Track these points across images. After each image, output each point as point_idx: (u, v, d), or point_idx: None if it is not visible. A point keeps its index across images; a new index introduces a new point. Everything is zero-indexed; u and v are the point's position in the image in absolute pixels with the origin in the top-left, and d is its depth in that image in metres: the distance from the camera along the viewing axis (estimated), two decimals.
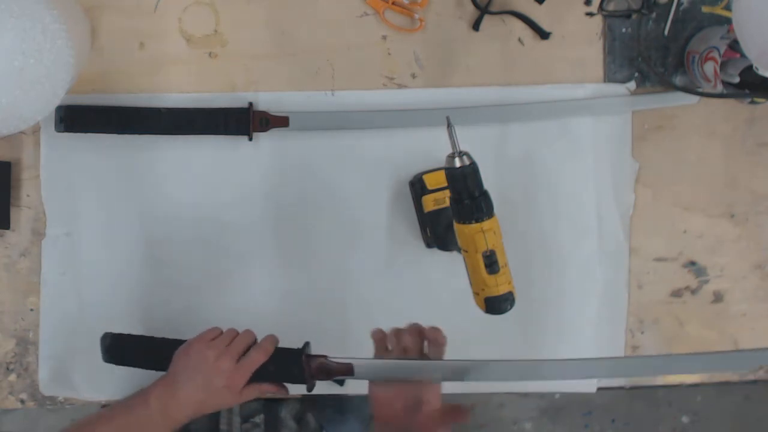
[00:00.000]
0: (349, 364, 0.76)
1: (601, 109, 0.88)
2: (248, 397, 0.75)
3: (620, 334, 0.92)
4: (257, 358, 0.75)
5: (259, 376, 0.76)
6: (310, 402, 0.96)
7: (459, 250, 0.74)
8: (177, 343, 0.78)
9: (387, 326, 0.90)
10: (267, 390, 0.77)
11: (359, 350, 0.90)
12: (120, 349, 0.81)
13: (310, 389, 0.77)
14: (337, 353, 0.89)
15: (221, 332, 0.78)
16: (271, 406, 0.95)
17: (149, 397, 0.73)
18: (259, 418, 0.86)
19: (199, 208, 0.88)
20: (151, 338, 0.81)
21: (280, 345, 0.83)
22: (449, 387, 0.92)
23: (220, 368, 0.73)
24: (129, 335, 0.81)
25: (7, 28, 0.69)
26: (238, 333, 0.78)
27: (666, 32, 0.87)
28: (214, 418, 0.84)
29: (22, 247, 0.88)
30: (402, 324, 0.90)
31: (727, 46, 0.79)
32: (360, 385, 0.89)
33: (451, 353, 0.91)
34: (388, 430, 0.74)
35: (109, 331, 0.81)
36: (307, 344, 0.79)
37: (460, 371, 0.75)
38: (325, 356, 0.77)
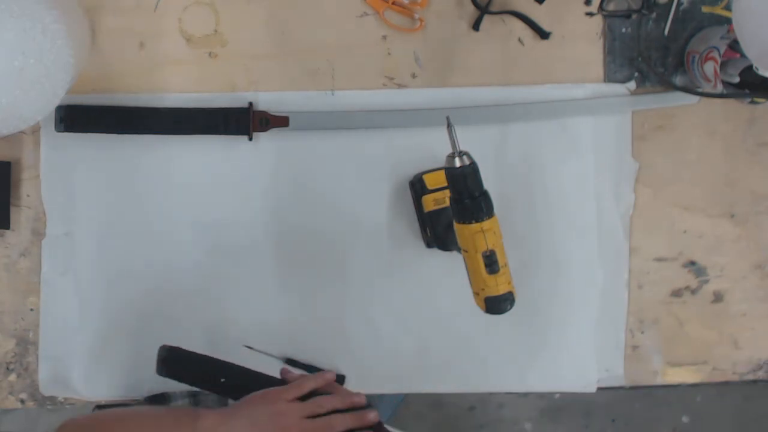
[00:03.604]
0: None
1: (601, 109, 0.88)
2: None
3: (620, 334, 0.92)
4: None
5: None
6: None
7: (459, 250, 0.74)
8: (241, 372, 0.75)
9: (386, 326, 0.90)
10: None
11: (359, 350, 0.90)
12: (177, 364, 0.77)
13: None
14: (336, 353, 0.90)
15: (304, 392, 0.72)
16: None
17: (202, 419, 0.69)
18: None
19: (199, 207, 0.88)
20: (214, 360, 0.77)
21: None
22: (449, 387, 0.93)
23: None
24: (189, 352, 0.77)
25: (7, 28, 0.69)
26: (330, 399, 0.71)
27: (666, 32, 0.87)
28: (224, 403, 0.82)
29: (22, 247, 0.88)
30: (400, 322, 0.90)
31: (727, 46, 0.79)
32: (358, 386, 0.90)
33: (451, 354, 0.91)
34: None
35: (165, 343, 0.77)
36: None
37: None
38: None
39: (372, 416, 0.70)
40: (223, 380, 0.76)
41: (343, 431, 0.69)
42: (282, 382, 0.75)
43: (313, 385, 0.73)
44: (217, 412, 0.70)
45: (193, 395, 0.85)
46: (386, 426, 0.74)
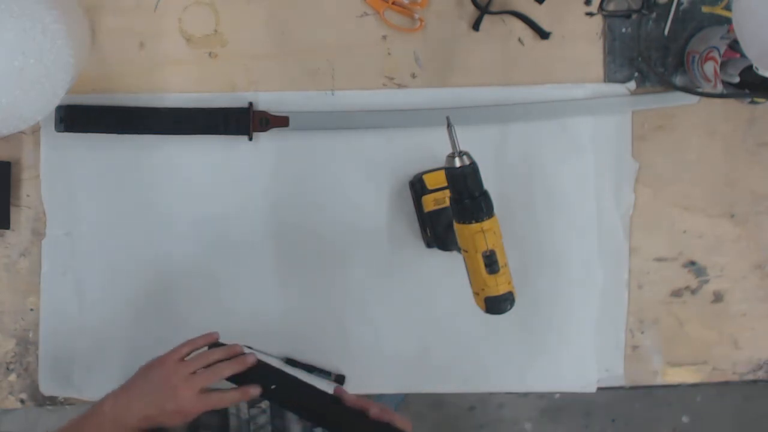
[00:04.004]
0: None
1: (601, 109, 0.88)
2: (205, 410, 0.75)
3: (620, 334, 0.92)
4: (223, 399, 0.74)
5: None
6: None
7: (459, 250, 0.74)
8: (292, 382, 0.77)
9: (386, 326, 0.90)
10: (229, 401, 0.75)
11: (359, 350, 0.90)
12: None
13: None
14: (336, 352, 0.90)
15: (192, 349, 0.76)
16: None
17: (104, 403, 0.73)
18: (265, 404, 0.86)
19: (199, 207, 0.88)
20: (266, 365, 0.78)
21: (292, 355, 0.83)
22: (449, 387, 0.93)
23: (177, 396, 0.72)
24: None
25: (7, 28, 0.69)
26: (213, 352, 0.76)
27: (666, 32, 0.87)
28: None
29: (22, 247, 0.88)
30: (400, 322, 0.90)
31: (727, 46, 0.79)
32: (358, 386, 0.90)
33: (451, 354, 0.91)
34: None
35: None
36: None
37: None
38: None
39: (251, 359, 0.76)
40: (273, 387, 0.76)
41: (230, 375, 0.74)
42: (335, 399, 0.76)
43: (201, 342, 0.77)
44: (114, 391, 0.74)
45: None
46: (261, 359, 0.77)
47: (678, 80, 0.88)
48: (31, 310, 0.89)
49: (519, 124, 0.88)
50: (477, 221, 0.70)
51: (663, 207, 0.91)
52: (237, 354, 0.77)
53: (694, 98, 0.88)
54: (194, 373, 0.74)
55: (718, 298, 0.92)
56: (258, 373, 0.76)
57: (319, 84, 0.87)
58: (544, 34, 0.87)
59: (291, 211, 0.88)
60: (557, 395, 1.78)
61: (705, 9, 0.87)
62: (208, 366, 0.75)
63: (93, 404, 0.75)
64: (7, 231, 0.87)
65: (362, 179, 0.88)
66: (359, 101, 0.87)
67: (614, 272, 0.91)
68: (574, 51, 0.88)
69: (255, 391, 0.74)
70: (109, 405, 0.73)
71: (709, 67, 0.81)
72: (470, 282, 0.74)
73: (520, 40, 0.87)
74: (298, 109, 0.86)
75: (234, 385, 0.76)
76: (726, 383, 0.94)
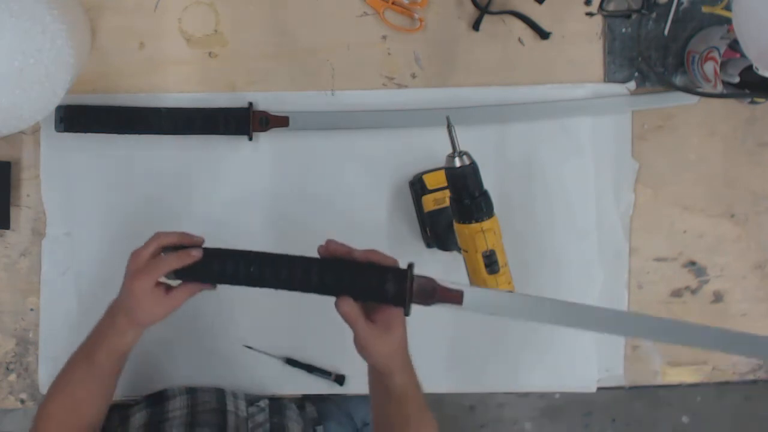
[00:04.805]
0: (459, 291, 0.67)
1: (601, 109, 0.88)
2: (178, 304, 0.72)
3: None
4: (186, 289, 0.71)
5: (346, 287, 0.70)
6: (310, 397, 0.96)
7: (459, 250, 0.74)
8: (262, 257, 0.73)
9: None
10: (194, 291, 0.72)
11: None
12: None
13: (407, 313, 0.69)
14: (335, 353, 0.90)
15: (159, 245, 0.72)
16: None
17: (114, 320, 0.72)
18: (264, 403, 0.86)
19: (199, 207, 0.88)
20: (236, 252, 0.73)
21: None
22: (449, 387, 0.93)
23: (132, 292, 0.69)
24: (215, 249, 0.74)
25: (7, 28, 0.69)
26: (168, 234, 0.73)
27: (666, 32, 0.87)
28: (221, 399, 0.83)
29: (22, 247, 0.88)
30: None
31: (727, 46, 0.79)
32: (358, 386, 0.89)
33: (451, 353, 0.91)
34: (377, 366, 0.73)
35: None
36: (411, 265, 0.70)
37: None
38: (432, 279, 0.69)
39: (197, 253, 0.71)
40: (252, 269, 0.73)
41: (177, 268, 0.70)
42: (316, 260, 0.72)
43: (167, 240, 0.73)
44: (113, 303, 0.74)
45: (190, 391, 0.85)
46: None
47: (678, 80, 0.88)
48: (31, 310, 0.89)
49: (519, 124, 0.88)
50: (477, 221, 0.70)
51: (663, 207, 0.91)
52: (193, 244, 0.73)
53: (694, 98, 0.88)
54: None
55: (718, 298, 0.92)
56: (230, 259, 0.72)
57: (319, 84, 0.87)
58: (544, 34, 0.87)
59: (291, 210, 0.88)
60: (557, 395, 1.78)
61: (705, 9, 0.87)
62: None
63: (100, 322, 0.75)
64: (7, 231, 0.87)
65: (362, 179, 0.88)
66: (359, 101, 0.87)
67: (614, 272, 0.91)
68: (574, 51, 0.88)
69: (197, 253, 0.71)
70: (116, 301, 0.73)
71: (709, 67, 0.81)
72: (470, 282, 0.74)
73: (520, 40, 0.87)
74: (298, 109, 0.86)
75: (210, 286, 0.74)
76: (726, 383, 0.94)
